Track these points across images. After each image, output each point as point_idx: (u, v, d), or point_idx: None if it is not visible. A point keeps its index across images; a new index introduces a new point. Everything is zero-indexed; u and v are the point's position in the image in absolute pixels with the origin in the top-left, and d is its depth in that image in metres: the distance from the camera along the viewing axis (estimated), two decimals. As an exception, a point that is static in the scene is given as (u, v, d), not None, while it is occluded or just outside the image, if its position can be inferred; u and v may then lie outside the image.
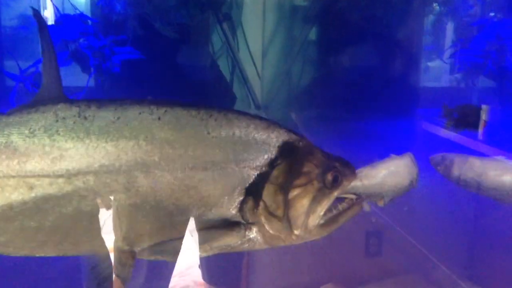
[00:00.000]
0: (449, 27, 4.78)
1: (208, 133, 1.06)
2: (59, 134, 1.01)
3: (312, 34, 4.94)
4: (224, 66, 4.90)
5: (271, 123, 1.14)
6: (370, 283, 1.86)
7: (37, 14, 1.12)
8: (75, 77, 3.88)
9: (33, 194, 0.99)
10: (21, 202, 1.00)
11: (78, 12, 3.84)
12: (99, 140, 1.01)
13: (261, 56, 5.02)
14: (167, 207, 1.04)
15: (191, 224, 1.03)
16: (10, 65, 3.73)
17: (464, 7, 4.61)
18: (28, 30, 4.15)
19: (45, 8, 4.04)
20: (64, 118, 1.03)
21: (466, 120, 1.50)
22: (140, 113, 1.04)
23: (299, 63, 4.93)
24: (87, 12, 4.05)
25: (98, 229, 1.04)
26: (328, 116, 4.52)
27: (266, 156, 1.11)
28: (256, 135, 1.10)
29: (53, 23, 3.75)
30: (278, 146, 1.12)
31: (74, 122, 1.03)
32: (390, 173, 1.62)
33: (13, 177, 1.00)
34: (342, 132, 3.85)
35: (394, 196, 1.63)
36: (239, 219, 1.10)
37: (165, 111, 1.05)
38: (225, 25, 4.77)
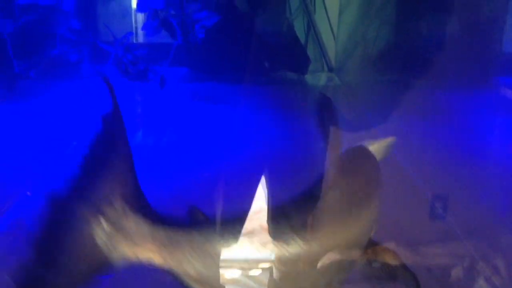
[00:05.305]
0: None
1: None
2: None
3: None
4: (300, 26, 4.94)
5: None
6: (432, 244, 1.89)
7: None
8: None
9: None
10: None
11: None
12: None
13: (337, 17, 4.96)
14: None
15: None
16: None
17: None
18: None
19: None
20: None
21: None
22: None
23: (376, 25, 4.80)
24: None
25: None
26: (401, 82, 4.46)
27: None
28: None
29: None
30: None
31: None
32: None
33: None
34: (416, 103, 3.78)
35: None
36: None
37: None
38: (302, -14, 4.78)
